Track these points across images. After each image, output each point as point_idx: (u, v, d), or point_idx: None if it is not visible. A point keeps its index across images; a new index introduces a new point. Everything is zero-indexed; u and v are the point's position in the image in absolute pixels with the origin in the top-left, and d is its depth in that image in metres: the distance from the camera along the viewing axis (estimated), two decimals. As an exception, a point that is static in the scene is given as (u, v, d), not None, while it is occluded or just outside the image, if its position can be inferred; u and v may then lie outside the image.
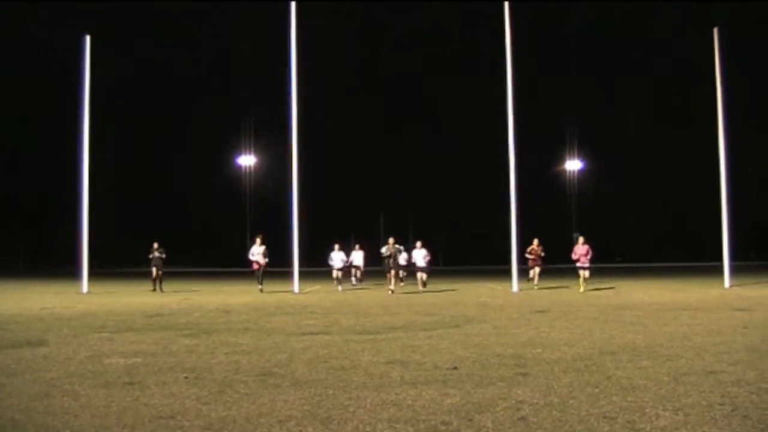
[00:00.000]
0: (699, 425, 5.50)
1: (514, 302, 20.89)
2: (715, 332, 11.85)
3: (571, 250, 28.63)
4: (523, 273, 30.10)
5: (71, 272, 33.93)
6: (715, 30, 31.31)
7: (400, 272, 29.28)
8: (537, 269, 30.20)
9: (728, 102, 31.14)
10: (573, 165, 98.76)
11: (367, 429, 5.51)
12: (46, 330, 13.17)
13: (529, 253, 30.15)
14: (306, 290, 29.20)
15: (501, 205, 30.93)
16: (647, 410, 6.02)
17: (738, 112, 36.33)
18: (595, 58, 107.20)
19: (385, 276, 28.84)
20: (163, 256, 30.23)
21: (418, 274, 28.21)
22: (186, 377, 7.84)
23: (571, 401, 6.43)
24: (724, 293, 25.03)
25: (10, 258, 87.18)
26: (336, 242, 33.84)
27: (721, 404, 6.23)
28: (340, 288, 30.48)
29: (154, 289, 29.23)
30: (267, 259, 28.83)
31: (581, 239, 28.04)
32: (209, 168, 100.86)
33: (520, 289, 27.79)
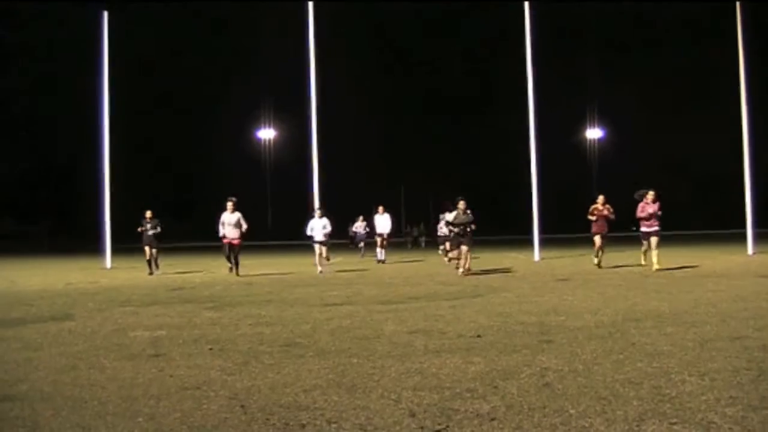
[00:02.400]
0: (725, 390, 5.47)
1: (536, 271, 20.86)
2: (740, 299, 11.78)
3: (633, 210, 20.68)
4: (569, 243, 27.65)
5: (95, 249, 33.83)
6: (738, 5, 30.90)
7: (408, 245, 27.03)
8: (599, 240, 21.68)
9: (750, 72, 30.80)
10: (594, 133, 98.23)
11: (393, 397, 5.51)
12: (71, 305, 13.27)
13: (592, 213, 21.88)
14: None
15: (522, 174, 30.68)
16: (673, 376, 6.00)
17: (761, 80, 35.85)
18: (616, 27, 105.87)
19: (444, 251, 26.32)
20: (159, 229, 24.15)
21: (463, 248, 20.04)
22: (210, 349, 7.88)
23: (596, 368, 6.41)
24: (748, 260, 24.88)
25: (35, 236, 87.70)
26: (360, 215, 36.36)
27: (747, 369, 6.19)
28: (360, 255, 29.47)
29: (151, 273, 23.28)
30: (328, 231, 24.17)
31: (651, 194, 20.65)
32: (232, 143, 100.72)
33: (542, 258, 27.71)
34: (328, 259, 23.05)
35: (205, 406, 5.35)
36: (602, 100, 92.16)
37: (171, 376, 6.50)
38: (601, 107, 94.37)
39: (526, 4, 29.42)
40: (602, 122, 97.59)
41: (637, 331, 8.38)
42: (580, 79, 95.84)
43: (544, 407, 5.11)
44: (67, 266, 31.49)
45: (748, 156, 30.53)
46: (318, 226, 22.70)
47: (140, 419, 5.05)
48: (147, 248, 23.86)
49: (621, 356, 6.89)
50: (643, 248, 20.97)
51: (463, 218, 20.12)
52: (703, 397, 5.26)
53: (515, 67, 31.64)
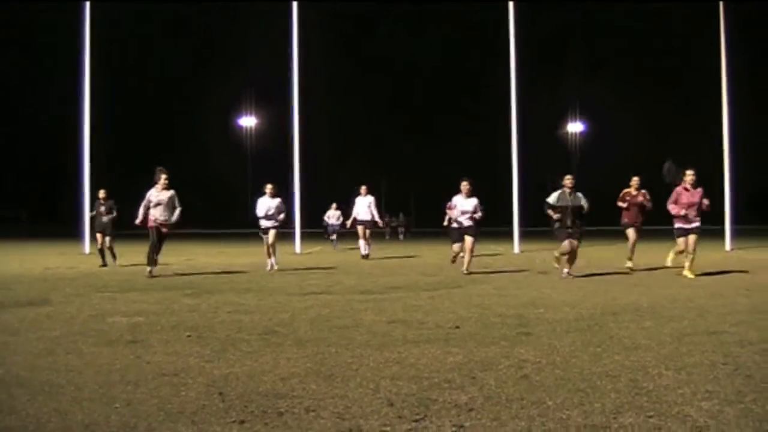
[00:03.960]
0: (702, 384, 5.50)
1: (516, 263, 20.91)
2: (718, 294, 11.86)
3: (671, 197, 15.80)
4: (549, 236, 18.95)
5: (74, 234, 33.59)
6: (721, 5, 31.03)
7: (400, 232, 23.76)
8: (633, 233, 17.44)
9: (732, 67, 30.96)
10: (575, 127, 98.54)
11: (371, 386, 5.51)
12: (49, 290, 13.20)
13: (623, 199, 17.39)
14: (308, 251, 29.21)
15: (503, 166, 30.75)
16: (650, 369, 6.03)
17: (743, 74, 36.07)
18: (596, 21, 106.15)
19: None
20: (113, 214, 20.89)
21: (468, 239, 16.64)
22: (189, 336, 7.86)
23: (574, 360, 6.44)
24: (726, 256, 25.06)
25: (14, 220, 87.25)
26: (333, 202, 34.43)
27: (724, 364, 6.23)
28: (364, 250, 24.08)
29: (104, 264, 20.46)
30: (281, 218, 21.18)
31: (690, 174, 15.53)
32: (212, 129, 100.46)
33: (522, 251, 27.79)
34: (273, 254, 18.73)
35: (182, 393, 5.34)
36: (584, 95, 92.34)
37: (148, 362, 6.47)
38: (582, 101, 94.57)
39: (511, 4, 29.47)
40: (584, 116, 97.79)
41: (615, 325, 8.42)
42: (562, 73, 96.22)
43: (522, 399, 5.12)
44: (46, 251, 31.34)
45: (727, 153, 30.76)
46: (272, 207, 18.48)
47: (117, 405, 5.02)
48: (99, 235, 20.74)
49: (599, 349, 6.92)
50: (677, 249, 16.71)
51: (570, 200, 15.48)
52: (680, 391, 5.29)
53: (497, 59, 31.72)
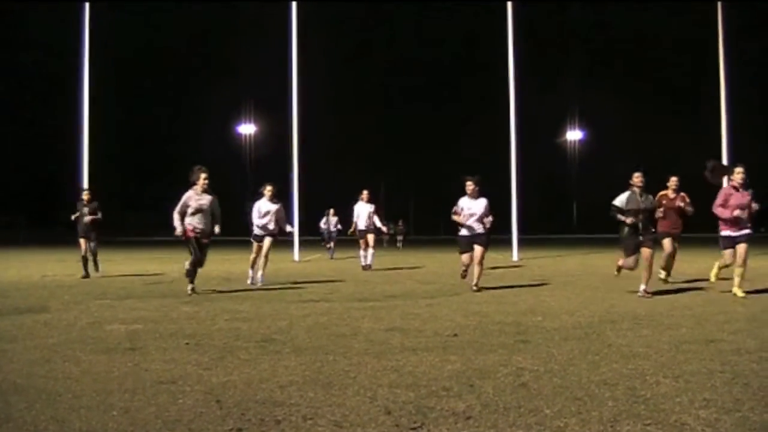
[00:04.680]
0: (699, 392, 5.51)
1: (514, 271, 20.90)
2: (716, 302, 11.86)
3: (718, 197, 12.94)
4: (548, 243, 17.57)
5: (73, 240, 33.43)
6: (719, 5, 31.04)
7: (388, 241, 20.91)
8: (670, 244, 15.36)
9: (730, 76, 30.96)
10: (574, 135, 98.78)
11: (369, 394, 5.51)
12: (47, 297, 13.20)
13: (660, 202, 14.35)
14: (306, 258, 29.20)
15: (502, 173, 30.72)
16: (648, 377, 6.03)
17: (739, 84, 36.13)
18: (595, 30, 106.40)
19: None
20: (98, 215, 18.79)
21: (477, 248, 14.27)
22: (187, 343, 7.85)
23: (572, 368, 6.43)
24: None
25: (11, 227, 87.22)
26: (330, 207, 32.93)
27: (721, 372, 6.23)
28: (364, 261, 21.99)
29: (86, 275, 18.43)
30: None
31: (740, 172, 12.81)
32: (212, 137, 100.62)
33: (520, 258, 27.80)
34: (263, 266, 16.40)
35: (180, 401, 5.34)
36: (583, 102, 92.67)
37: (146, 370, 6.47)
38: (582, 109, 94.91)
39: (509, 4, 29.52)
40: (583, 124, 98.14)
41: (613, 333, 8.42)
42: (562, 80, 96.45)
43: (520, 407, 5.13)
44: (44, 258, 31.34)
45: (726, 160, 30.74)
46: (272, 211, 16.43)
47: (115, 413, 5.02)
48: (83, 241, 18.63)
49: (597, 357, 6.92)
50: (724, 261, 13.67)
51: (641, 201, 12.92)
52: (678, 399, 5.30)
53: (497, 65, 31.72)
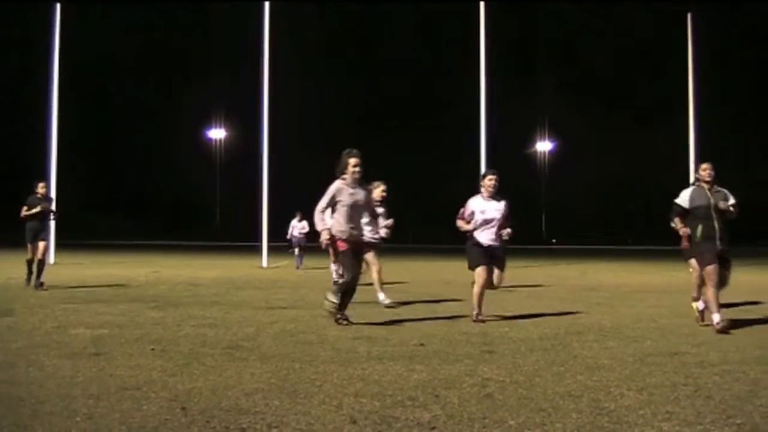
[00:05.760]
0: (662, 405, 5.55)
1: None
2: (681, 315, 11.94)
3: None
4: (517, 253, 14.66)
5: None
6: (689, 15, 31.35)
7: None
8: (712, 272, 9.88)
9: (699, 88, 31.26)
10: (544, 146, 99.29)
11: (334, 403, 5.51)
12: (12, 300, 13.07)
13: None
14: (274, 265, 29.11)
15: (472, 184, 30.75)
16: (612, 389, 6.07)
17: (709, 96, 36.53)
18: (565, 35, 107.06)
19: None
20: (52, 212, 16.62)
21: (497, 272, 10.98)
22: (152, 349, 7.81)
23: (537, 379, 6.47)
24: (689, 278, 25.23)
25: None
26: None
27: (684, 384, 6.29)
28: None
29: (29, 279, 16.34)
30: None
31: (706, 169, 10.37)
32: (180, 141, 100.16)
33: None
34: None
35: (145, 407, 5.31)
36: (553, 113, 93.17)
37: (111, 375, 6.43)
38: (552, 120, 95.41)
39: (482, 5, 29.63)
40: (553, 135, 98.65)
41: (579, 344, 8.47)
42: (532, 91, 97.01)
43: (485, 417, 5.15)
44: (9, 260, 31.01)
45: (694, 172, 30.96)
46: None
47: (78, 419, 4.99)
48: (40, 244, 16.23)
49: (562, 368, 6.97)
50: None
51: (711, 198, 10.12)
52: (641, 412, 5.34)
53: (468, 75, 31.84)
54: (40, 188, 16.36)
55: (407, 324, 10.31)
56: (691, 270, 12.00)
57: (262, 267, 27.56)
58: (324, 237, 9.99)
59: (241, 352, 7.68)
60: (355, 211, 10.21)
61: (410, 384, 6.21)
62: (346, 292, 10.16)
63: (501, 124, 38.45)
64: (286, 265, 28.88)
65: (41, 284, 15.81)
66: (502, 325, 10.36)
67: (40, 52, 34.25)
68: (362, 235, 10.66)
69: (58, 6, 30.55)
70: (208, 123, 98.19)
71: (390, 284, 15.39)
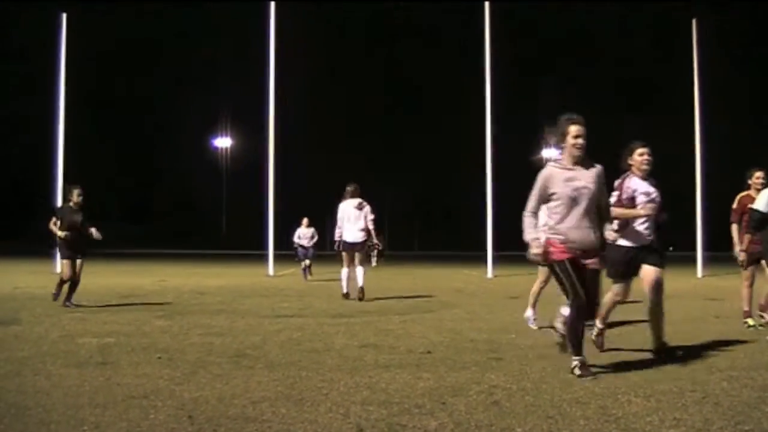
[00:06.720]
0: (670, 411, 5.53)
1: (489, 288, 20.94)
2: (688, 320, 11.92)
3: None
4: (523, 260, 12.97)
5: (47, 253, 33.08)
6: (694, 21, 31.34)
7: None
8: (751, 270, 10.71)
9: (705, 93, 31.23)
10: (550, 153, 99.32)
11: (341, 411, 5.51)
12: (18, 309, 13.07)
13: (740, 211, 10.63)
14: (281, 273, 29.11)
15: (478, 191, 30.76)
16: (619, 396, 6.05)
17: (714, 98, 36.47)
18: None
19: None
20: (92, 228, 14.08)
21: (649, 270, 8.33)
22: (159, 358, 7.81)
23: (544, 386, 6.45)
24: (697, 283, 25.22)
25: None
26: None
27: (692, 391, 6.27)
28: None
29: (57, 296, 13.91)
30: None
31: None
32: (188, 150, 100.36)
33: (495, 276, 27.84)
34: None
35: (152, 416, 5.31)
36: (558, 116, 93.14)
37: (118, 384, 6.43)
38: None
39: (486, 5, 29.63)
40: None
41: (586, 351, 8.44)
42: (539, 94, 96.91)
43: (492, 425, 5.13)
44: (17, 269, 31.06)
45: (699, 177, 30.96)
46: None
47: (85, 428, 4.99)
48: (78, 261, 14.05)
49: (569, 376, 6.94)
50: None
51: None
52: (648, 419, 5.32)
53: (475, 78, 31.83)
54: (75, 196, 13.80)
55: (414, 332, 10.29)
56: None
57: (268, 275, 27.55)
58: (534, 250, 7.16)
59: (247, 361, 7.67)
60: (574, 207, 7.14)
61: (417, 392, 6.20)
62: (580, 314, 7.11)
63: (508, 128, 38.44)
64: (292, 273, 28.86)
65: (71, 303, 13.62)
66: (509, 331, 10.35)
67: (45, 62, 34.38)
68: (593, 240, 7.22)
69: (65, 15, 30.67)
70: (214, 131, 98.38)
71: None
